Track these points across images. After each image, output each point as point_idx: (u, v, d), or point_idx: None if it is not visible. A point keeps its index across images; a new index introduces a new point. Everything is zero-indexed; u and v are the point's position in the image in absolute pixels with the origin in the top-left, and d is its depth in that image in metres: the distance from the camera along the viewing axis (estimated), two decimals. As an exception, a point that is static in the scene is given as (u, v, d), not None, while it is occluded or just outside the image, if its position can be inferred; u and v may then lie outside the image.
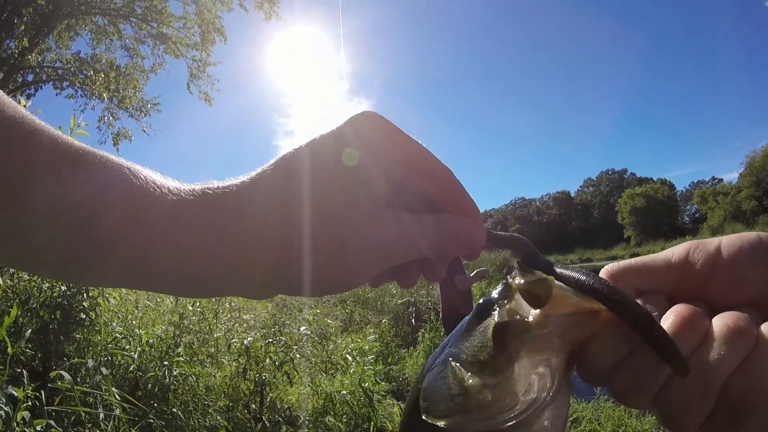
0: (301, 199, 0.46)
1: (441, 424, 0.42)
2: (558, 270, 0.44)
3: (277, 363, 4.52)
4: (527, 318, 0.43)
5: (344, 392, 4.73)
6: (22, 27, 11.89)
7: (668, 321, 0.40)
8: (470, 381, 0.42)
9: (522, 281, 0.44)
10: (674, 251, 0.47)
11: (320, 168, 0.47)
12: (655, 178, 79.58)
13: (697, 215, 74.60)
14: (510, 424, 0.41)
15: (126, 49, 15.77)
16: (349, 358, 5.56)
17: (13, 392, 2.15)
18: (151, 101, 16.18)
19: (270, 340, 4.68)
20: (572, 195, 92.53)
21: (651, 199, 72.79)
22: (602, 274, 0.46)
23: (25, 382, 2.24)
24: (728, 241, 0.44)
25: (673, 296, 0.45)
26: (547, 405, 0.41)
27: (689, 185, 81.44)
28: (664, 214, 72.55)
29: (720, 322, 0.39)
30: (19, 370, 2.43)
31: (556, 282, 0.43)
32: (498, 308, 0.45)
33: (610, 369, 0.41)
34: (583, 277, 0.42)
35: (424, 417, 0.44)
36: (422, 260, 0.52)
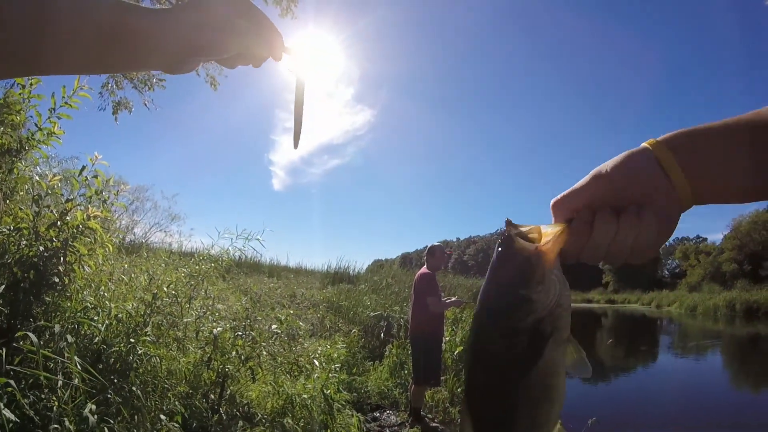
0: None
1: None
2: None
3: (242, 357, 4.48)
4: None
5: (305, 396, 4.70)
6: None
7: (594, 228, 0.68)
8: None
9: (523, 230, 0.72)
10: (582, 183, 0.71)
11: None
12: (640, 229, 79.87)
13: (677, 270, 75.24)
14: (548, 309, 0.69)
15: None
16: (316, 362, 5.53)
17: (-25, 346, 2.11)
18: (157, 76, 16.09)
19: (239, 333, 4.65)
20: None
21: (634, 249, 73.19)
22: (552, 204, 0.75)
23: (-11, 338, 2.20)
24: (613, 163, 0.69)
25: (598, 205, 0.70)
26: (561, 293, 0.69)
27: (673, 240, 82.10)
28: (644, 265, 72.90)
29: (600, 223, 0.67)
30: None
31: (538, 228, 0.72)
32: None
33: (572, 251, 0.71)
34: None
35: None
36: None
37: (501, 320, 0.70)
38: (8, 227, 3.09)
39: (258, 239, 5.12)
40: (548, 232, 0.71)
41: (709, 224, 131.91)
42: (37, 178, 3.40)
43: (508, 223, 0.74)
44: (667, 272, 79.90)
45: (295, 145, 0.89)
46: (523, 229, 0.73)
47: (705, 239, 73.71)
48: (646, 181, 0.67)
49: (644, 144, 0.70)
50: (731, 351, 20.14)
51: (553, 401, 0.69)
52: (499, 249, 0.73)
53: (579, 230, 0.69)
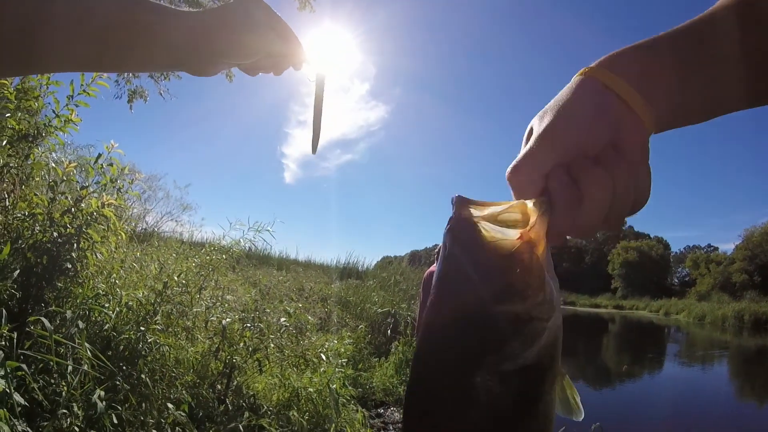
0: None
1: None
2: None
3: (250, 349, 4.50)
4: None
5: (311, 390, 4.71)
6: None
7: (585, 187, 0.53)
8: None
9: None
10: (545, 136, 0.56)
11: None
12: (651, 235, 79.48)
13: (686, 279, 74.51)
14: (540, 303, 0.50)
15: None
16: (323, 357, 5.55)
17: (-12, 329, 2.13)
18: (172, 67, 16.14)
19: (248, 324, 4.66)
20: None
21: (644, 255, 72.79)
22: (512, 173, 0.56)
23: (2, 321, 2.22)
24: (565, 104, 0.57)
25: (571, 159, 0.55)
26: (559, 303, 0.53)
27: (684, 248, 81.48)
28: (654, 272, 72.41)
29: (592, 179, 0.53)
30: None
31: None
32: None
33: (559, 231, 0.55)
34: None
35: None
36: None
37: (484, 360, 0.47)
38: (23, 212, 3.12)
39: (269, 230, 5.14)
40: (531, 209, 0.52)
41: (720, 234, 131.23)
42: (53, 164, 3.42)
43: (462, 202, 0.53)
44: (676, 280, 79.23)
45: (314, 150, 0.90)
46: (493, 209, 0.52)
47: (716, 248, 72.97)
48: (611, 115, 0.54)
49: (582, 75, 0.57)
50: (738, 362, 19.99)
51: None
52: (459, 244, 0.51)
53: (567, 198, 0.53)
